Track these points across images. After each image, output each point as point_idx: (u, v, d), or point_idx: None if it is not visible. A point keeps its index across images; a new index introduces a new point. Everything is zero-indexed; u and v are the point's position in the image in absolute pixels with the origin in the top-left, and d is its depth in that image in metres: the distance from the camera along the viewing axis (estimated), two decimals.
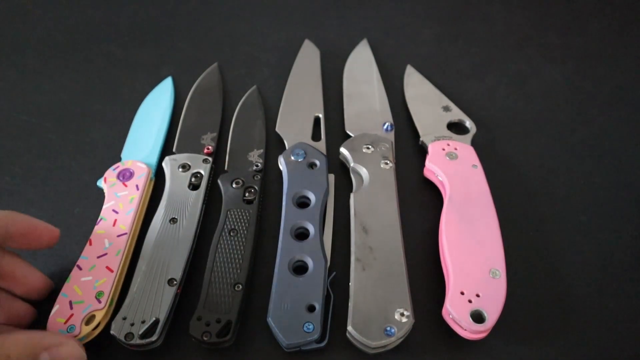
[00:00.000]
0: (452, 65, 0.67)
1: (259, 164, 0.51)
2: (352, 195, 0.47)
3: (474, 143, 0.53)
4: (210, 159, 0.51)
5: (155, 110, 0.58)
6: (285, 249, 0.43)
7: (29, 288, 0.40)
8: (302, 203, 0.48)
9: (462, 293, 0.40)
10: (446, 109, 0.57)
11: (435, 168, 0.50)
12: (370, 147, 0.51)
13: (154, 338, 0.38)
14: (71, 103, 0.61)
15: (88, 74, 0.64)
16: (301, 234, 0.45)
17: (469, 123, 0.55)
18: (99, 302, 0.40)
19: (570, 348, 0.41)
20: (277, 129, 0.55)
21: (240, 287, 0.41)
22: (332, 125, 0.57)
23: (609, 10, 0.75)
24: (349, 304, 0.40)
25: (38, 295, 0.41)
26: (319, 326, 0.39)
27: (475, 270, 0.41)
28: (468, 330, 0.39)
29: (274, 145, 0.55)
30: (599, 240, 0.48)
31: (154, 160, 0.52)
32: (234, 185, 0.48)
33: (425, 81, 0.62)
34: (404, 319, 0.39)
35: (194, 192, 0.48)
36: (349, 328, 0.38)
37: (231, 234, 0.45)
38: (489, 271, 0.41)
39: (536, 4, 0.76)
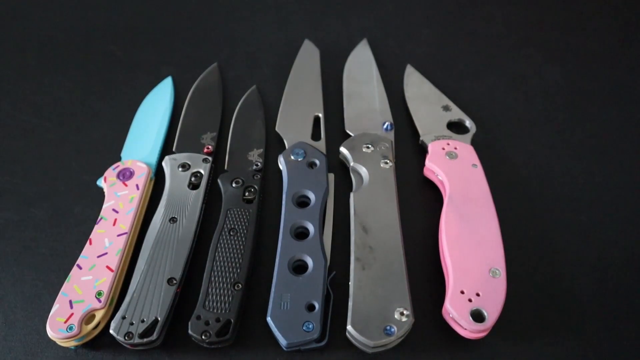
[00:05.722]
0: (452, 65, 0.66)
1: (259, 164, 0.51)
2: (352, 195, 0.47)
3: (474, 142, 0.53)
4: (210, 158, 0.51)
5: (155, 110, 0.58)
6: (285, 249, 0.43)
7: None
8: (302, 202, 0.48)
9: (462, 292, 0.40)
10: (446, 108, 0.57)
11: (435, 167, 0.50)
12: (370, 146, 0.51)
13: (153, 337, 0.38)
14: (71, 103, 0.61)
15: (88, 74, 0.64)
16: (301, 234, 0.45)
17: (468, 122, 0.55)
18: (99, 301, 0.40)
19: (570, 347, 0.41)
20: (277, 129, 0.55)
21: (240, 286, 0.41)
22: (332, 125, 0.57)
23: (609, 10, 0.75)
24: (349, 304, 0.40)
25: None
26: (318, 325, 0.39)
27: (475, 269, 0.41)
28: (468, 329, 0.38)
29: (274, 144, 0.55)
30: (599, 240, 0.48)
31: (153, 159, 0.52)
32: (233, 185, 0.48)
33: (425, 81, 0.62)
34: (404, 318, 0.38)
35: (194, 191, 0.48)
36: (349, 327, 0.38)
37: (231, 233, 0.45)
38: (488, 270, 0.41)
39: (536, 3, 0.76)
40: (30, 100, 0.61)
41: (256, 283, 0.44)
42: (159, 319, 0.39)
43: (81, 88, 0.63)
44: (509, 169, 0.54)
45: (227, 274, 0.42)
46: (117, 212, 0.46)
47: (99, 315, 0.40)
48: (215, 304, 0.40)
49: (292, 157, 0.51)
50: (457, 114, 0.57)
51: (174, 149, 0.53)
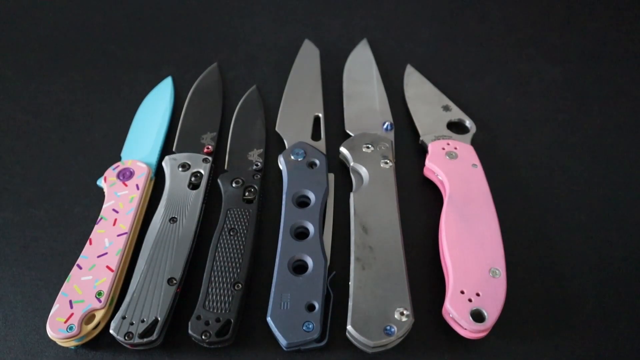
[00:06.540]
0: (452, 65, 0.66)
1: (259, 164, 0.51)
2: (352, 195, 0.47)
3: (474, 142, 0.53)
4: (210, 158, 0.51)
5: (155, 109, 0.58)
6: (285, 249, 0.43)
7: None
8: (302, 202, 0.48)
9: (462, 292, 0.40)
10: (446, 108, 0.57)
11: (435, 167, 0.50)
12: (370, 146, 0.51)
13: (153, 337, 0.38)
14: (71, 103, 0.61)
15: (88, 74, 0.64)
16: (301, 234, 0.45)
17: (468, 122, 0.55)
18: (99, 301, 0.40)
19: (570, 347, 0.41)
20: (277, 129, 0.55)
21: (240, 286, 0.41)
22: (332, 125, 0.57)
23: (609, 10, 0.75)
24: (349, 303, 0.40)
25: None
26: (318, 325, 0.39)
27: (475, 269, 0.41)
28: (468, 329, 0.39)
29: (274, 144, 0.55)
30: (599, 240, 0.48)
31: (153, 159, 0.52)
32: (233, 185, 0.48)
33: (425, 81, 0.62)
34: (404, 318, 0.38)
35: (194, 191, 0.48)
36: (349, 327, 0.38)
37: (231, 233, 0.45)
38: (488, 270, 0.41)
39: (536, 4, 0.76)
40: (30, 100, 0.61)
41: (256, 283, 0.44)
42: (159, 319, 0.39)
43: (81, 88, 0.63)
44: (509, 169, 0.54)
45: (227, 274, 0.42)
46: (117, 212, 0.46)
47: (99, 315, 0.40)
48: (215, 304, 0.40)
49: (292, 157, 0.51)
50: (457, 114, 0.57)
51: (174, 149, 0.53)
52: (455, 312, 0.39)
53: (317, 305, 0.40)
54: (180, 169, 0.50)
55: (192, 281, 0.43)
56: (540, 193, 0.52)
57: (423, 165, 0.51)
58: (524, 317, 0.42)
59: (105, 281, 0.41)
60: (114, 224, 0.45)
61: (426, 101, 0.59)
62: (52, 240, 0.48)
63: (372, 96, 0.59)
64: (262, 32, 0.71)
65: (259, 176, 0.49)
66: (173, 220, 0.45)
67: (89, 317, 0.39)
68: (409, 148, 0.55)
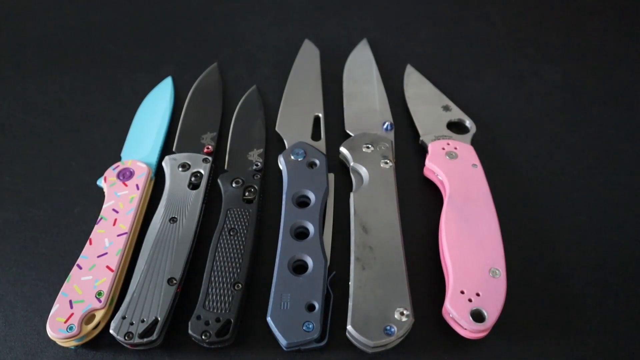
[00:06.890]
0: (452, 65, 0.66)
1: (259, 164, 0.51)
2: (352, 195, 0.47)
3: (474, 142, 0.53)
4: (210, 158, 0.51)
5: (155, 109, 0.58)
6: (285, 249, 0.43)
7: None
8: (302, 202, 0.48)
9: (462, 292, 0.40)
10: (446, 108, 0.57)
11: (435, 167, 0.50)
12: (370, 146, 0.51)
13: (153, 337, 0.38)
14: (71, 103, 0.61)
15: (88, 74, 0.64)
16: (301, 234, 0.45)
17: (468, 122, 0.55)
18: (99, 301, 0.40)
19: (570, 347, 0.41)
20: (277, 129, 0.55)
21: (240, 286, 0.41)
22: (332, 125, 0.57)
23: (609, 10, 0.75)
24: (349, 303, 0.40)
25: None
26: (318, 325, 0.39)
27: (475, 269, 0.41)
28: (468, 329, 0.39)
29: (274, 144, 0.55)
30: (599, 240, 0.48)
31: (153, 159, 0.52)
32: (233, 185, 0.48)
33: (425, 81, 0.62)
34: (404, 318, 0.38)
35: (194, 191, 0.48)
36: (349, 327, 0.38)
37: (231, 233, 0.45)
38: (488, 270, 0.41)
39: (536, 4, 0.76)
40: (30, 100, 0.61)
41: (256, 283, 0.44)
42: (159, 319, 0.39)
43: (81, 88, 0.63)
44: (509, 169, 0.54)
45: (227, 274, 0.42)
46: (117, 212, 0.46)
47: (99, 315, 0.40)
48: (215, 304, 0.40)
49: (292, 157, 0.51)
50: (457, 114, 0.57)
51: (174, 149, 0.53)
52: (455, 312, 0.39)
53: (317, 305, 0.40)
54: (180, 169, 0.50)
55: (192, 281, 0.43)
56: (540, 193, 0.52)
57: (423, 165, 0.51)
58: (524, 317, 0.42)
59: (105, 281, 0.41)
60: (114, 224, 0.45)
61: (426, 101, 0.59)
62: (52, 240, 0.48)
63: (372, 96, 0.59)
64: (262, 32, 0.71)
65: (259, 176, 0.49)
66: (173, 220, 0.45)
67: (89, 317, 0.39)
68: (409, 148, 0.55)
